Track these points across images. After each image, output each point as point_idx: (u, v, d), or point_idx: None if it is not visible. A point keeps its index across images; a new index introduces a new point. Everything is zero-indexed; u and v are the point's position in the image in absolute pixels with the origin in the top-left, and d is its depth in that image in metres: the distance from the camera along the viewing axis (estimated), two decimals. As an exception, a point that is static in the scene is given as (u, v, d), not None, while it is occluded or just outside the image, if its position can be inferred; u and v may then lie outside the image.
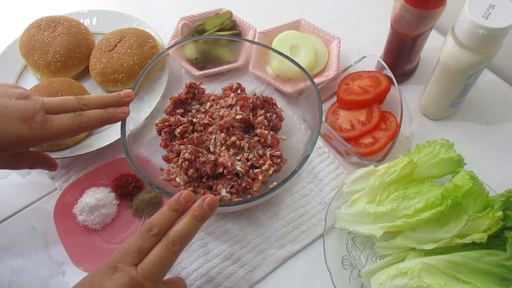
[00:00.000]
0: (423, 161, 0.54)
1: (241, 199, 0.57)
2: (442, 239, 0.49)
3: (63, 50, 0.72)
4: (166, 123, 0.61)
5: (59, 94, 0.65)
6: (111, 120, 0.53)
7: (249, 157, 0.58)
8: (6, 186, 0.67)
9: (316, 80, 0.71)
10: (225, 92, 0.66)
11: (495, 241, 0.49)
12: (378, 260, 0.57)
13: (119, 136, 0.54)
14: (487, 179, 0.56)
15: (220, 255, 0.59)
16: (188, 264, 0.59)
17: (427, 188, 0.51)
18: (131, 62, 0.70)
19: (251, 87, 0.71)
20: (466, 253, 0.48)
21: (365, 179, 0.56)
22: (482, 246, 0.49)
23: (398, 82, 0.68)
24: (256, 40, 0.75)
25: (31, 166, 0.58)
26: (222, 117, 0.61)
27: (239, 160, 0.58)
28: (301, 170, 0.53)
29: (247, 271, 0.59)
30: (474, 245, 0.49)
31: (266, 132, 0.60)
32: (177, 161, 0.58)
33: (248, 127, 0.62)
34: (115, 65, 0.70)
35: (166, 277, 0.44)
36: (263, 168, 0.57)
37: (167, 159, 0.60)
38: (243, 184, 0.57)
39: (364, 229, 0.53)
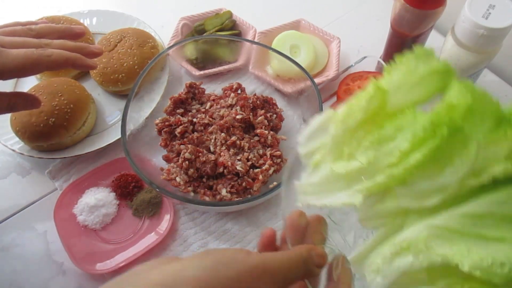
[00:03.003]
0: (396, 86, 0.38)
1: (241, 199, 0.57)
2: (449, 186, 0.32)
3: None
4: (166, 123, 0.61)
5: (59, 94, 0.65)
6: (77, 63, 0.50)
7: (249, 157, 0.58)
8: (6, 186, 0.67)
9: (316, 80, 0.71)
10: (225, 92, 0.66)
11: None
12: (369, 238, 0.40)
13: (119, 136, 0.54)
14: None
15: (220, 255, 0.59)
16: (188, 264, 0.59)
17: (411, 119, 0.35)
18: (131, 62, 0.70)
19: (251, 87, 0.71)
20: (489, 197, 0.33)
21: (323, 130, 0.41)
22: (506, 181, 0.34)
23: (398, 82, 0.68)
24: (256, 40, 0.75)
25: (10, 108, 0.53)
26: (222, 117, 0.61)
27: (239, 160, 0.58)
28: (301, 170, 0.53)
29: (247, 271, 0.59)
30: (496, 183, 0.33)
31: (266, 132, 0.60)
32: (177, 161, 0.58)
33: (248, 127, 0.62)
34: (115, 65, 0.70)
35: None
36: (263, 168, 0.57)
37: (167, 159, 0.60)
38: (243, 184, 0.57)
39: (337, 199, 0.37)
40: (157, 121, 0.62)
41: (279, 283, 0.31)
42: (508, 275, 0.29)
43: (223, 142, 0.59)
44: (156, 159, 0.62)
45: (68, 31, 0.54)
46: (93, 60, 0.52)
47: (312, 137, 0.41)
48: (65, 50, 0.50)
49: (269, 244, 0.38)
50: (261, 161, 0.58)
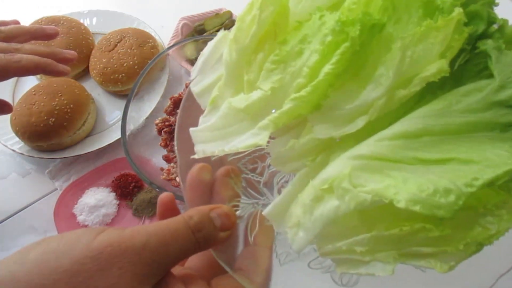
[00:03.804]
0: None
1: (241, 199, 0.57)
2: (373, 103, 0.25)
3: (69, 47, 0.71)
4: (166, 123, 0.61)
5: (59, 94, 0.65)
6: (48, 69, 0.48)
7: (249, 157, 0.58)
8: (6, 186, 0.67)
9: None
10: (225, 92, 0.66)
11: (461, 72, 0.26)
12: (288, 184, 0.30)
13: (119, 136, 0.54)
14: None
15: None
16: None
17: (317, 24, 0.26)
18: (131, 62, 0.70)
19: (251, 87, 0.71)
20: (425, 110, 0.25)
21: (218, 60, 0.32)
22: (445, 86, 0.26)
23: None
24: (256, 40, 0.75)
25: None
26: (222, 117, 0.61)
27: (239, 160, 0.58)
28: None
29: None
30: (432, 92, 0.26)
31: (266, 132, 0.60)
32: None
33: (248, 127, 0.62)
34: (115, 65, 0.69)
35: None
36: (263, 168, 0.57)
37: (167, 159, 0.60)
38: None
39: (239, 142, 0.28)
40: (157, 121, 0.62)
41: (152, 264, 0.24)
42: (456, 203, 0.22)
43: (223, 142, 0.59)
44: (156, 159, 0.62)
45: (40, 32, 0.52)
46: (65, 66, 0.50)
47: (205, 69, 0.32)
48: (36, 55, 0.48)
49: (169, 214, 0.29)
50: (261, 161, 0.58)
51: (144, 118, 0.62)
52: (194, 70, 0.32)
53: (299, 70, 0.26)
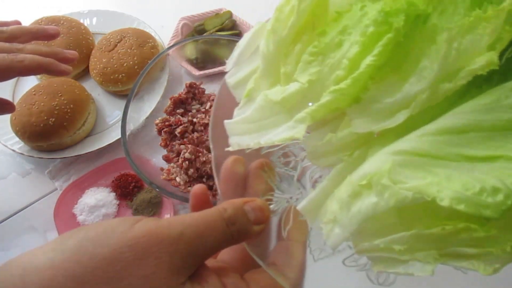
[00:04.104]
0: None
1: (241, 199, 0.57)
2: (416, 96, 0.24)
3: (67, 47, 0.71)
4: (166, 123, 0.61)
5: (59, 94, 0.65)
6: (50, 68, 0.49)
7: (249, 157, 0.58)
8: (6, 186, 0.67)
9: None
10: (225, 92, 0.66)
11: (509, 66, 0.24)
12: (323, 179, 0.29)
13: (119, 136, 0.54)
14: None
15: (220, 255, 0.59)
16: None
17: (358, 15, 0.25)
18: (131, 62, 0.70)
19: (251, 87, 0.71)
20: (472, 105, 0.23)
21: (254, 50, 0.31)
22: (492, 80, 0.24)
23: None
24: (256, 40, 0.75)
25: None
26: (222, 117, 0.61)
27: (239, 160, 0.58)
28: (301, 170, 0.53)
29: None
30: (478, 86, 0.24)
31: (266, 132, 0.60)
32: (177, 161, 0.58)
33: (248, 127, 0.62)
34: (115, 65, 0.70)
35: None
36: (263, 168, 0.57)
37: (167, 159, 0.60)
38: (243, 184, 0.56)
39: (275, 135, 0.27)
40: (157, 121, 0.62)
41: (187, 255, 0.23)
42: (504, 203, 0.20)
43: (223, 142, 0.59)
44: (156, 159, 0.62)
45: (42, 32, 0.53)
46: (67, 66, 0.51)
47: (241, 60, 0.31)
48: (38, 55, 0.48)
49: (202, 206, 0.28)
50: (261, 161, 0.58)
51: (144, 118, 0.62)
52: (230, 62, 0.32)
53: (338, 62, 0.25)
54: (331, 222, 0.25)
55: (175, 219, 0.24)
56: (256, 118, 0.28)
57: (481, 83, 0.24)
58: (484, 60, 0.22)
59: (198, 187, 0.29)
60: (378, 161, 0.24)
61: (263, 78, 0.29)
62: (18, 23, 0.54)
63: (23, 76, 0.48)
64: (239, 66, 0.31)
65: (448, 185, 0.21)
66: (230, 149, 0.29)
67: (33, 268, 0.22)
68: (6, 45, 0.48)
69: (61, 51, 0.52)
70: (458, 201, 0.21)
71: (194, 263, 0.24)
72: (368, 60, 0.23)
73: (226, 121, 0.30)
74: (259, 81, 0.29)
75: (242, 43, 0.31)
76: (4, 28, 0.50)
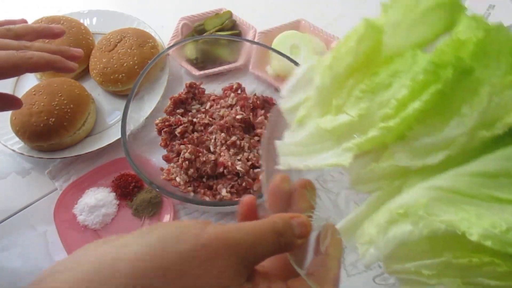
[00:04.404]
0: (394, 23, 0.32)
1: (241, 199, 0.57)
2: (455, 140, 0.27)
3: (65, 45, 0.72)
4: (166, 123, 0.61)
5: (59, 94, 0.65)
6: (57, 65, 0.50)
7: (250, 157, 0.58)
8: (6, 186, 0.67)
9: (316, 80, 0.71)
10: (225, 92, 0.66)
11: None
12: (363, 203, 0.32)
13: (119, 136, 0.54)
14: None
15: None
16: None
17: (409, 62, 0.29)
18: (131, 62, 0.70)
19: (251, 87, 0.71)
20: (504, 152, 0.27)
21: (309, 81, 0.35)
22: None
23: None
24: (256, 40, 0.75)
25: None
26: (222, 117, 0.61)
27: (239, 160, 0.58)
28: (301, 170, 0.53)
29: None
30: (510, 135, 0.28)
31: (266, 132, 0.60)
32: (177, 161, 0.58)
33: (248, 127, 0.62)
34: (115, 65, 0.70)
35: None
36: (263, 168, 0.57)
37: (167, 159, 0.60)
38: (244, 184, 0.57)
39: (323, 160, 0.31)
40: (157, 121, 0.62)
41: (244, 259, 0.27)
42: None
43: (223, 142, 0.59)
44: (156, 159, 0.62)
45: (47, 31, 0.54)
46: (73, 63, 0.52)
47: (296, 89, 0.35)
48: (46, 52, 0.49)
49: (249, 214, 0.32)
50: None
51: (144, 118, 0.62)
52: (285, 88, 0.35)
53: (387, 101, 0.28)
54: (367, 243, 0.29)
55: (235, 227, 0.28)
56: (306, 142, 0.32)
57: (514, 131, 0.28)
58: None
59: (248, 198, 0.33)
60: (416, 194, 0.28)
61: (316, 107, 0.33)
62: (25, 21, 0.55)
63: (30, 72, 0.49)
64: (294, 93, 0.35)
65: (478, 222, 0.24)
66: (280, 167, 0.32)
67: (121, 259, 0.24)
68: (15, 42, 0.49)
69: (67, 49, 0.52)
70: (485, 237, 0.24)
71: (250, 267, 0.27)
72: (417, 104, 0.27)
73: (277, 142, 0.34)
74: (312, 109, 0.33)
75: (298, 72, 0.34)
76: (12, 26, 0.51)
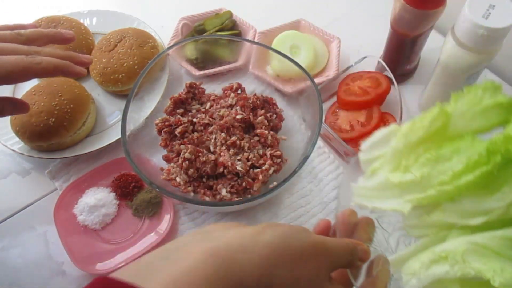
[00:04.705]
0: (461, 112, 0.40)
1: (241, 199, 0.57)
2: (494, 210, 0.36)
3: (64, 48, 0.71)
4: (166, 123, 0.61)
5: (59, 94, 0.65)
6: (66, 70, 0.50)
7: (249, 157, 0.58)
8: (6, 186, 0.67)
9: (316, 80, 0.71)
10: (225, 92, 0.66)
11: None
12: (412, 244, 0.44)
13: (119, 136, 0.54)
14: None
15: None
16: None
17: (468, 144, 0.38)
18: (131, 62, 0.70)
19: (251, 87, 0.71)
20: None
21: (385, 142, 0.45)
22: None
23: (398, 82, 0.68)
24: (256, 40, 0.75)
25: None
26: (222, 117, 0.61)
27: (239, 160, 0.58)
28: (301, 170, 0.53)
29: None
30: None
31: (267, 132, 0.60)
32: (177, 161, 0.58)
33: (248, 127, 0.62)
34: (115, 65, 0.70)
35: None
36: (263, 168, 0.57)
37: (167, 159, 0.60)
38: (243, 184, 0.57)
39: (387, 204, 0.41)
40: (157, 121, 0.62)
41: (331, 264, 0.35)
42: None
43: (223, 142, 0.59)
44: (156, 159, 0.62)
45: (58, 36, 0.54)
46: (81, 68, 0.52)
47: (374, 146, 0.45)
48: (55, 57, 0.50)
49: (324, 233, 0.41)
50: (261, 161, 0.58)
51: (144, 118, 0.62)
52: (365, 143, 0.45)
53: (445, 170, 0.38)
54: (411, 274, 0.38)
55: (329, 239, 0.36)
56: (376, 189, 0.42)
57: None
58: None
59: (325, 221, 0.42)
60: (457, 243, 0.37)
61: (388, 163, 0.42)
62: (35, 26, 0.56)
63: (39, 77, 0.50)
64: (372, 149, 0.45)
65: (501, 273, 0.33)
66: (352, 204, 0.43)
67: (259, 241, 0.32)
68: (25, 47, 0.49)
69: (76, 55, 0.53)
70: (505, 285, 0.32)
71: (332, 271, 0.36)
72: (470, 177, 0.36)
73: (353, 184, 0.44)
74: (384, 164, 0.43)
75: (379, 134, 0.44)
76: (22, 31, 0.51)
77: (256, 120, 0.62)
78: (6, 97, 0.55)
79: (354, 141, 0.66)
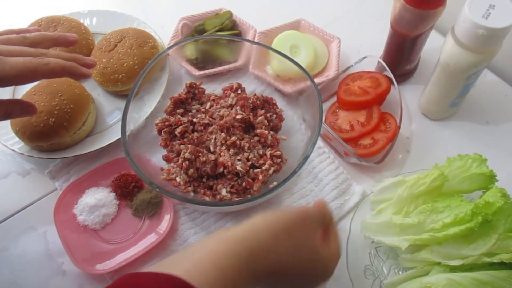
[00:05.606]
0: (453, 175, 0.53)
1: (241, 199, 0.57)
2: (470, 256, 0.48)
3: (63, 50, 0.71)
4: (166, 123, 0.61)
5: (59, 94, 0.65)
6: (73, 71, 0.51)
7: (249, 157, 0.58)
8: (6, 186, 0.67)
9: (316, 80, 0.71)
10: (225, 92, 0.66)
11: None
12: (401, 272, 0.56)
13: (119, 136, 0.54)
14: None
15: (220, 255, 0.59)
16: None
17: (457, 203, 0.50)
18: (131, 62, 0.70)
19: (251, 87, 0.71)
20: (494, 272, 0.47)
21: (393, 189, 0.56)
22: (510, 266, 0.48)
23: (398, 82, 0.68)
24: (256, 40, 0.75)
25: (7, 115, 0.54)
26: (222, 117, 0.61)
27: (239, 160, 0.58)
28: (301, 170, 0.53)
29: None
30: (502, 265, 0.48)
31: (267, 132, 0.60)
32: (177, 161, 0.58)
33: (248, 127, 0.62)
34: (115, 65, 0.70)
35: None
36: (263, 168, 0.57)
37: (167, 159, 0.60)
38: (243, 184, 0.57)
39: (389, 240, 0.52)
40: (157, 121, 0.62)
41: (317, 225, 0.44)
42: None
43: (223, 142, 0.59)
44: (156, 159, 0.62)
45: (62, 39, 0.55)
46: (87, 70, 0.54)
47: (384, 190, 0.57)
48: (61, 58, 0.51)
49: None
50: (261, 161, 0.58)
51: (144, 118, 0.62)
52: (376, 188, 0.58)
53: (437, 220, 0.50)
54: None
55: (304, 208, 0.44)
56: (381, 225, 0.54)
57: (502, 264, 0.48)
58: (509, 256, 0.47)
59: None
60: (438, 278, 0.49)
61: (393, 206, 0.54)
62: (39, 30, 0.57)
63: (47, 78, 0.51)
64: (382, 193, 0.57)
65: None
66: (361, 235, 0.56)
67: (259, 225, 0.40)
68: (32, 49, 0.50)
69: (81, 57, 0.54)
70: None
71: (318, 232, 0.44)
72: (456, 229, 0.48)
73: (362, 220, 0.56)
74: (390, 206, 0.55)
75: (387, 182, 0.57)
76: (28, 35, 0.52)
77: (256, 120, 0.61)
78: (15, 100, 0.55)
79: (354, 141, 0.66)
